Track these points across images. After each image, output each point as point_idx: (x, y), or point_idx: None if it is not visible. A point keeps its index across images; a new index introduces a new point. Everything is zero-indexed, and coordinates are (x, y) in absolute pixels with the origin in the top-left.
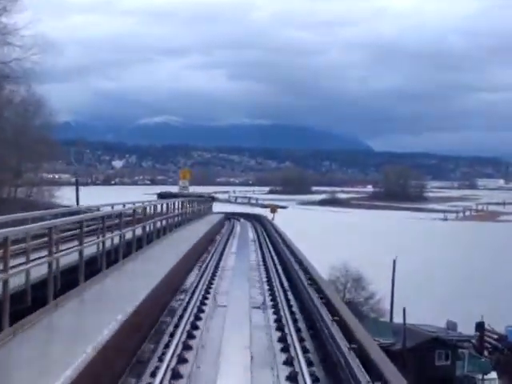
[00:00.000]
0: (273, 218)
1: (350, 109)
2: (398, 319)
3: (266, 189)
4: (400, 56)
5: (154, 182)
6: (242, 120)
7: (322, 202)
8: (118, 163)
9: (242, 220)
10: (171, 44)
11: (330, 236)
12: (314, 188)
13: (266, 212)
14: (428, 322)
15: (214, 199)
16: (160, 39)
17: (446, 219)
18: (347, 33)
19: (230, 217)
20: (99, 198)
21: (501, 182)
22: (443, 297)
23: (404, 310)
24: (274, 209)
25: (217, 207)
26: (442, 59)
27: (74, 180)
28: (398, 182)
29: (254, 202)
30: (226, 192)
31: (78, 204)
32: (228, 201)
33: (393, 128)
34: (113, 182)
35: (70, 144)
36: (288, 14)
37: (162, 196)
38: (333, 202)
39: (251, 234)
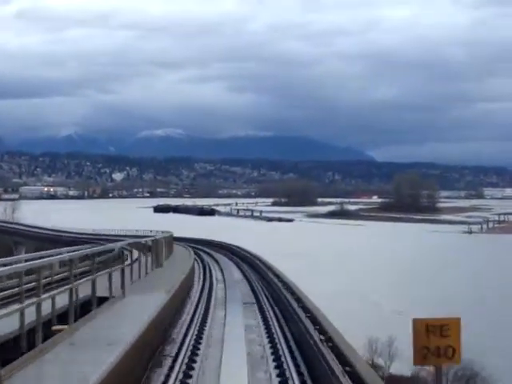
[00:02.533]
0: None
1: (351, 120)
2: None
3: (270, 200)
4: (400, 67)
5: (153, 195)
6: (244, 132)
7: (331, 214)
8: (118, 176)
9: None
10: (169, 57)
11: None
12: (319, 199)
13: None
14: None
15: (213, 212)
16: (158, 53)
17: (470, 232)
18: (345, 43)
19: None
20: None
21: (508, 190)
22: None
23: None
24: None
25: (206, 225)
26: (442, 70)
27: (71, 193)
28: (408, 191)
29: (257, 214)
30: (228, 204)
31: None
32: (229, 214)
33: (395, 139)
34: (110, 195)
35: (71, 157)
36: (284, 25)
37: (159, 209)
38: (341, 213)
39: None
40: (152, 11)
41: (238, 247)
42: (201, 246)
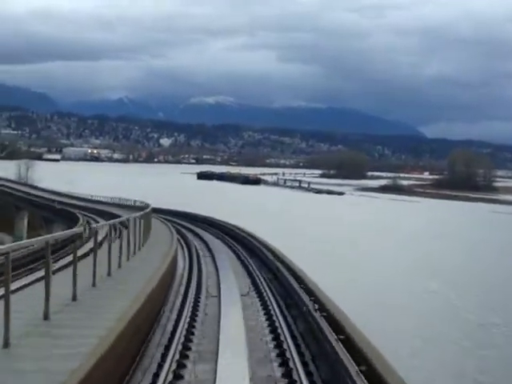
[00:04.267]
0: None
1: (402, 94)
2: None
3: (318, 172)
4: (453, 42)
5: (199, 162)
6: (293, 102)
7: (383, 189)
8: (165, 141)
9: None
10: (219, 24)
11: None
12: (369, 173)
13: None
14: None
15: (259, 181)
16: (207, 19)
17: None
18: (398, 17)
19: None
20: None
21: None
22: None
23: None
24: None
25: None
26: (496, 46)
27: (115, 156)
28: (463, 169)
29: (305, 185)
30: (275, 174)
31: None
32: (276, 184)
33: (446, 115)
34: (156, 160)
35: (120, 120)
36: None
37: (202, 176)
38: (394, 188)
39: None
40: None
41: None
42: (213, 238)
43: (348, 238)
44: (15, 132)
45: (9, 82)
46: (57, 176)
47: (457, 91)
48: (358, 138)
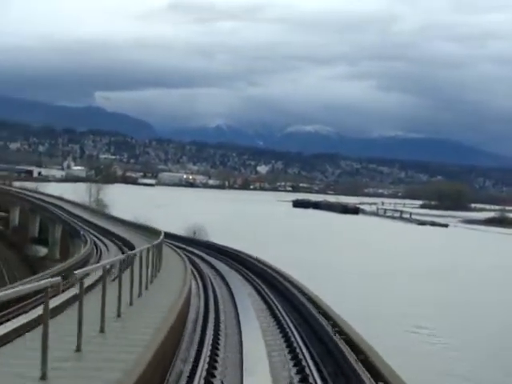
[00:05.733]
0: None
1: (502, 126)
2: None
3: (418, 202)
4: None
5: (295, 189)
6: (392, 132)
7: (489, 222)
8: (262, 168)
9: None
10: (317, 53)
11: None
12: (473, 205)
13: None
14: None
15: (357, 210)
16: (306, 48)
17: None
18: (499, 46)
19: None
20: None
21: None
22: None
23: None
24: None
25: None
26: None
27: (210, 182)
28: None
29: (406, 216)
30: (374, 204)
31: None
32: (375, 214)
33: None
34: (252, 187)
35: (218, 147)
36: (433, 25)
37: (298, 204)
38: (501, 221)
39: None
40: (301, 6)
41: None
42: None
43: None
44: (113, 157)
45: (109, 108)
46: (137, 201)
47: None
48: (456, 169)
